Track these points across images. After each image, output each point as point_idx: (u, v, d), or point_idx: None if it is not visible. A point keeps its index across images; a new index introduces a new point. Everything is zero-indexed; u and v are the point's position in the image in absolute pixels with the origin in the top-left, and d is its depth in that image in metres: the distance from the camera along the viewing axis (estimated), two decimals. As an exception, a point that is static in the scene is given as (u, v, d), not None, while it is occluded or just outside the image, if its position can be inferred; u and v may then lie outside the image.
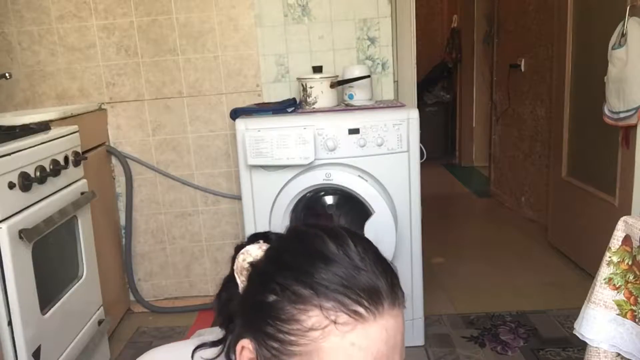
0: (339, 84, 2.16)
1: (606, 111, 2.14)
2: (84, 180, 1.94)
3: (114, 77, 2.40)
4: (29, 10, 2.34)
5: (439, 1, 5.74)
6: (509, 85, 3.75)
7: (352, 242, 0.62)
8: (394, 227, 1.94)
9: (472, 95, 4.93)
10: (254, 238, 0.72)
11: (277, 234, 0.72)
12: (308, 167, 1.94)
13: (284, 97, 2.37)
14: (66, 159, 1.80)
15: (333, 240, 0.62)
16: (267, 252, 0.67)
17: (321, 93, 2.14)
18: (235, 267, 0.70)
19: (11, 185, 1.47)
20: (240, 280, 0.69)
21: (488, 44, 4.38)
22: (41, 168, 1.62)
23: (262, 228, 2.02)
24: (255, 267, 0.66)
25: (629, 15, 1.97)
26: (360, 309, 0.58)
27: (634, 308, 1.12)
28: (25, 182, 1.53)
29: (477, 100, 4.88)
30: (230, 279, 0.72)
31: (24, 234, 1.48)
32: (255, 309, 0.62)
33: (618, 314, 1.13)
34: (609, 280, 1.17)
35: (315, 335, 0.58)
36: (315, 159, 1.92)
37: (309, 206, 2.11)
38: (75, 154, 1.89)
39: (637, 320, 1.15)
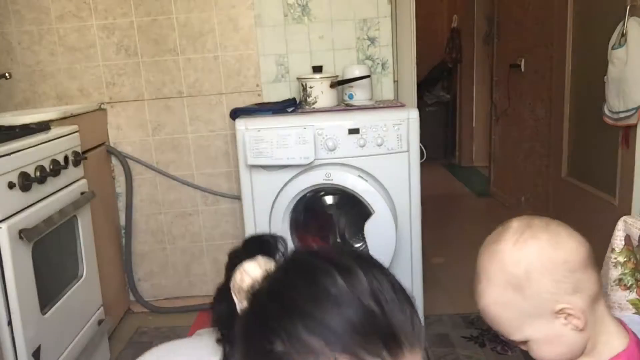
0: (339, 84, 2.16)
1: (606, 111, 2.14)
2: (84, 180, 1.94)
3: (114, 77, 2.40)
4: (29, 10, 2.34)
5: (439, 1, 5.73)
6: (509, 85, 3.75)
7: (365, 275, 0.55)
8: (394, 227, 1.94)
9: (472, 95, 4.93)
10: (250, 245, 0.67)
11: (277, 246, 0.67)
12: (308, 167, 1.94)
13: (284, 97, 2.37)
14: (66, 159, 1.80)
15: (343, 275, 0.55)
16: (270, 283, 0.60)
17: (321, 93, 2.14)
18: (232, 285, 0.66)
19: (11, 185, 1.47)
20: (239, 300, 0.64)
21: (488, 44, 4.38)
22: (41, 168, 1.62)
23: (262, 228, 2.02)
24: (257, 299, 0.60)
25: (629, 15, 1.96)
26: None
27: (643, 306, 1.12)
28: (25, 182, 1.53)
29: (477, 100, 4.88)
30: (225, 289, 0.67)
31: (24, 234, 1.48)
32: (261, 354, 0.55)
33: (634, 313, 1.13)
34: (619, 282, 1.17)
35: None
36: (315, 159, 1.92)
37: (309, 206, 2.11)
38: (75, 154, 1.89)
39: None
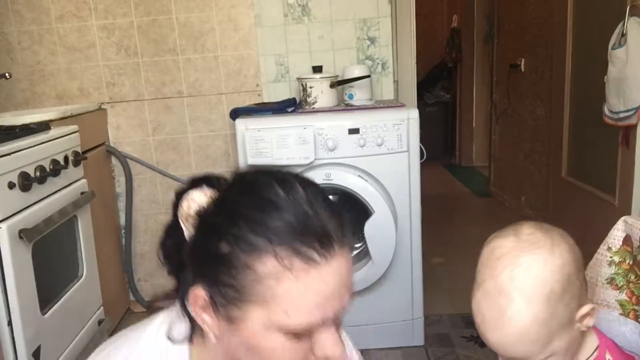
0: (339, 84, 2.16)
1: (606, 111, 2.14)
2: (84, 180, 1.94)
3: (114, 77, 2.40)
4: (29, 10, 2.34)
5: (439, 1, 5.73)
6: (509, 85, 3.75)
7: (301, 187, 0.63)
8: (394, 227, 1.94)
9: (472, 95, 4.93)
10: (195, 182, 0.70)
11: (220, 179, 0.71)
12: (308, 167, 1.94)
13: (284, 97, 2.37)
14: (66, 159, 1.80)
15: (282, 186, 0.62)
16: (215, 202, 0.66)
17: (321, 93, 2.14)
18: (179, 214, 0.69)
19: (11, 185, 1.47)
20: (186, 228, 0.68)
21: (488, 44, 4.38)
22: (41, 168, 1.62)
23: (262, 228, 2.02)
24: (204, 218, 0.66)
25: (629, 15, 1.96)
26: (314, 254, 0.59)
27: (636, 308, 1.12)
28: (25, 182, 1.53)
29: (477, 100, 4.88)
30: (173, 226, 0.70)
31: (24, 234, 1.48)
32: (208, 260, 0.63)
33: (621, 314, 1.13)
34: (611, 281, 1.17)
35: (271, 282, 0.59)
36: (315, 159, 1.92)
37: (309, 206, 2.11)
38: (75, 153, 1.89)
39: (639, 319, 1.15)
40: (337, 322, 0.65)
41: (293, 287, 0.59)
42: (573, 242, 0.81)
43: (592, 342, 0.84)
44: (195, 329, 0.70)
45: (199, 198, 0.68)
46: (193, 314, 0.67)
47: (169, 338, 0.72)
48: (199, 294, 0.64)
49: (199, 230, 0.66)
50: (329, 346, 0.64)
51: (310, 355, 0.64)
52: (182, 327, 0.71)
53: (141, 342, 0.73)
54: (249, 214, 0.61)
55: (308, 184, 0.65)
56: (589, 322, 0.80)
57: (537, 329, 0.75)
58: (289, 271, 0.59)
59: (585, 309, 0.78)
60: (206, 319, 0.65)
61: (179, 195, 0.70)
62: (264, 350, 0.63)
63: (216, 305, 0.63)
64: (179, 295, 0.70)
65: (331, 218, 0.63)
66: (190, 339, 0.71)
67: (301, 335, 0.62)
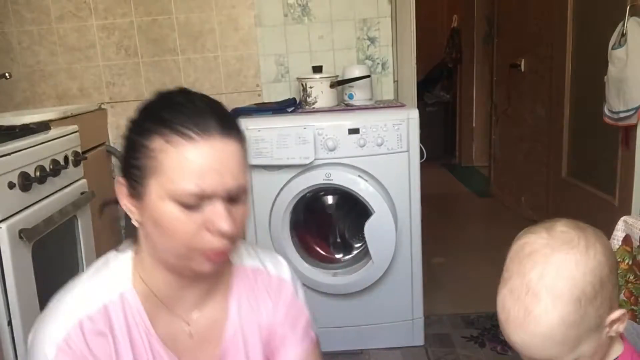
0: (339, 84, 2.16)
1: (606, 111, 2.14)
2: (84, 180, 1.94)
3: (114, 77, 2.40)
4: (29, 10, 2.34)
5: (439, 1, 5.73)
6: (509, 85, 3.75)
7: (198, 97, 0.81)
8: (394, 227, 1.94)
9: (472, 95, 4.93)
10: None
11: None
12: (308, 167, 1.94)
13: (284, 97, 2.37)
14: (66, 159, 1.80)
15: (181, 94, 0.81)
16: (137, 109, 0.83)
17: (321, 93, 2.14)
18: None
19: (11, 185, 1.47)
20: None
21: (488, 44, 4.38)
22: (41, 168, 1.62)
23: (262, 228, 2.02)
24: (130, 121, 0.83)
25: (629, 15, 1.96)
26: (192, 133, 0.75)
27: (634, 308, 1.12)
28: (25, 182, 1.53)
29: (477, 100, 4.88)
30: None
31: (24, 234, 1.48)
32: (124, 151, 0.81)
33: None
34: None
35: (158, 155, 0.75)
36: (315, 159, 1.92)
37: (309, 206, 2.11)
38: (75, 153, 1.88)
39: (637, 320, 1.15)
40: (229, 205, 0.77)
41: (174, 157, 0.75)
42: (608, 243, 0.78)
43: (617, 348, 0.81)
44: (136, 240, 0.87)
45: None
46: (123, 206, 0.83)
47: (117, 250, 0.90)
48: (120, 182, 0.82)
49: (126, 131, 0.82)
50: (215, 219, 0.75)
51: (204, 231, 0.76)
52: (128, 244, 0.90)
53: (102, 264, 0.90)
54: (151, 111, 0.80)
55: (204, 96, 0.82)
56: (619, 327, 0.77)
57: (564, 331, 0.72)
58: (171, 145, 0.75)
59: (616, 314, 0.75)
60: (130, 207, 0.82)
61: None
62: (163, 220, 0.76)
63: (130, 188, 0.80)
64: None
65: (215, 115, 0.78)
66: (135, 251, 0.87)
67: (191, 207, 0.75)
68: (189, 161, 0.74)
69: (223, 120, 0.78)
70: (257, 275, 0.94)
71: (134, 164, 0.78)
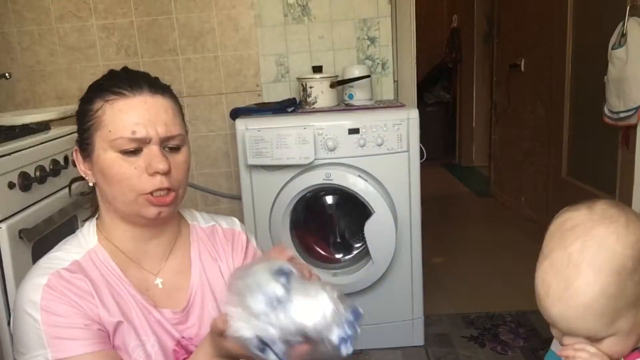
0: (339, 84, 2.16)
1: (606, 111, 2.14)
2: (84, 180, 1.93)
3: (114, 77, 2.40)
4: (29, 10, 2.34)
5: (439, 1, 5.73)
6: (509, 85, 3.75)
7: (136, 71, 0.93)
8: (394, 227, 1.94)
9: (472, 95, 4.93)
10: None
11: None
12: (308, 167, 1.94)
13: (284, 97, 2.37)
14: (66, 159, 1.79)
15: (125, 71, 0.93)
16: None
17: (321, 93, 2.14)
18: None
19: (11, 185, 1.47)
20: None
21: (488, 44, 4.38)
22: (41, 168, 1.62)
23: (262, 228, 2.02)
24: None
25: (629, 15, 1.97)
26: (124, 91, 0.88)
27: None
28: (25, 182, 1.53)
29: (477, 100, 4.88)
30: None
31: (24, 234, 1.48)
32: (76, 121, 0.93)
33: None
34: None
35: (98, 114, 0.88)
36: (315, 159, 1.92)
37: (309, 206, 2.11)
38: (75, 154, 1.88)
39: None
40: (165, 150, 0.89)
41: (110, 112, 0.87)
42: None
43: None
44: (97, 207, 0.99)
45: None
46: (81, 172, 0.94)
47: (83, 220, 1.03)
48: (75, 150, 0.93)
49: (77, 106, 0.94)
50: (152, 161, 0.87)
51: (145, 175, 0.87)
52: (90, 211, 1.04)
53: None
54: (96, 83, 0.93)
55: (143, 72, 0.94)
56: None
57: (603, 303, 0.73)
58: (107, 103, 0.88)
59: None
60: (85, 170, 0.94)
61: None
62: (109, 170, 0.88)
63: (82, 152, 0.92)
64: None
65: (144, 78, 0.91)
66: (97, 217, 1.00)
67: (130, 152, 0.87)
68: (123, 112, 0.87)
69: (152, 81, 0.92)
70: (213, 230, 1.06)
71: (83, 129, 0.90)
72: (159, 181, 0.87)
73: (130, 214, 0.91)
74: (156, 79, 0.94)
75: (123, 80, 0.89)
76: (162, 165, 0.86)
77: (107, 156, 0.87)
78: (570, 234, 0.77)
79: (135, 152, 0.87)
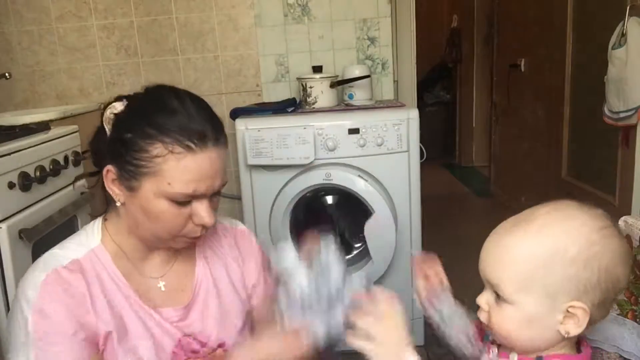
0: (338, 83, 2.16)
1: (606, 111, 2.14)
2: (84, 180, 1.93)
3: (114, 77, 2.40)
4: (29, 10, 2.34)
5: (439, 1, 5.73)
6: (509, 85, 3.75)
7: (189, 99, 0.87)
8: (394, 227, 1.94)
9: (472, 95, 4.93)
10: (118, 98, 0.91)
11: (137, 94, 0.92)
12: (308, 167, 1.94)
13: (284, 97, 2.37)
14: (66, 158, 1.80)
15: (175, 97, 0.87)
16: (127, 105, 0.89)
17: (321, 93, 2.14)
18: (104, 119, 0.90)
19: (11, 185, 1.47)
20: (108, 129, 0.89)
21: (488, 44, 4.38)
22: (41, 168, 1.62)
23: (262, 228, 2.02)
24: (118, 117, 0.88)
25: (629, 15, 1.96)
26: (192, 145, 0.83)
27: (634, 308, 1.12)
28: (25, 182, 1.53)
29: (477, 100, 4.88)
30: (99, 130, 0.92)
31: (24, 233, 1.48)
32: (118, 145, 0.86)
33: (619, 314, 1.13)
34: None
35: (158, 161, 0.83)
36: (315, 159, 1.92)
37: (309, 206, 2.11)
38: (75, 153, 1.88)
39: (637, 320, 1.15)
40: (212, 199, 0.89)
41: (174, 165, 0.83)
42: (630, 253, 0.76)
43: (565, 349, 0.76)
44: (109, 208, 0.95)
45: (119, 107, 0.89)
46: (107, 187, 0.90)
47: (91, 216, 0.97)
48: (110, 170, 0.88)
49: (114, 126, 0.88)
50: (202, 214, 0.87)
51: (189, 222, 0.88)
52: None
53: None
54: (148, 113, 0.85)
55: (196, 98, 0.89)
56: (570, 327, 0.72)
57: (523, 267, 0.71)
58: (172, 154, 0.82)
59: (577, 304, 0.70)
60: (115, 190, 0.89)
61: (105, 106, 0.91)
62: (154, 212, 0.86)
63: (121, 178, 0.87)
64: (99, 176, 0.92)
65: (208, 123, 0.86)
66: (105, 217, 0.96)
67: (181, 203, 0.85)
68: (188, 169, 0.84)
69: (215, 127, 0.88)
70: (217, 229, 1.07)
71: (129, 161, 0.85)
72: (201, 229, 0.90)
73: (157, 243, 0.93)
74: (216, 119, 0.90)
75: (187, 125, 0.83)
76: (209, 220, 0.88)
77: (156, 202, 0.85)
78: (548, 203, 0.76)
79: (187, 202, 0.86)
